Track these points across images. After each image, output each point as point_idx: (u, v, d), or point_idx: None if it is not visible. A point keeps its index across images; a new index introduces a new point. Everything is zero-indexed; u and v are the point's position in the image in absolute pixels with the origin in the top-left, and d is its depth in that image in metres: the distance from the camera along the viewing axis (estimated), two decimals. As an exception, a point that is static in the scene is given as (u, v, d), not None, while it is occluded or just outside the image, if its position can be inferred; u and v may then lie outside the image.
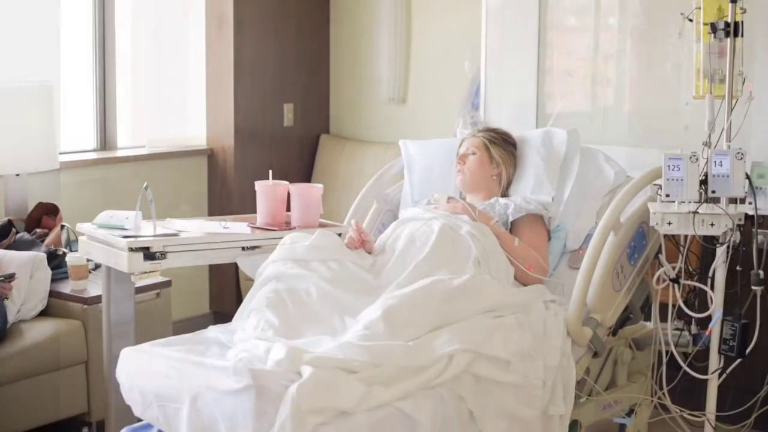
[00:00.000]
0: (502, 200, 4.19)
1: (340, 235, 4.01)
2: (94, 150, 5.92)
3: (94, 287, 4.71)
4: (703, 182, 3.73)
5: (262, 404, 2.97)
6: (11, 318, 4.53)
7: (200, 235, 3.98)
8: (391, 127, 6.29)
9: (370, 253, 3.99)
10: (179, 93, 6.20)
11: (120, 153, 5.92)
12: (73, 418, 4.69)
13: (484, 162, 4.34)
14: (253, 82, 6.20)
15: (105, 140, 5.94)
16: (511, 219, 4.11)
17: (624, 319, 4.07)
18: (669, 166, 3.72)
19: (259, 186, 4.17)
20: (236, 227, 4.07)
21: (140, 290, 4.58)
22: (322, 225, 4.17)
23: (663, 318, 3.95)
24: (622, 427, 4.19)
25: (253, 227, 4.11)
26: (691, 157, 3.70)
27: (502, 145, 4.39)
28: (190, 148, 6.21)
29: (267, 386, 2.99)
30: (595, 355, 3.85)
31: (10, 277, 4.40)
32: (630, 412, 4.19)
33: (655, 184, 3.93)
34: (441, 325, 3.41)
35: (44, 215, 5.14)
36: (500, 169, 4.36)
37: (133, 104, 6.09)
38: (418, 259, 3.79)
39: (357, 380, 3.09)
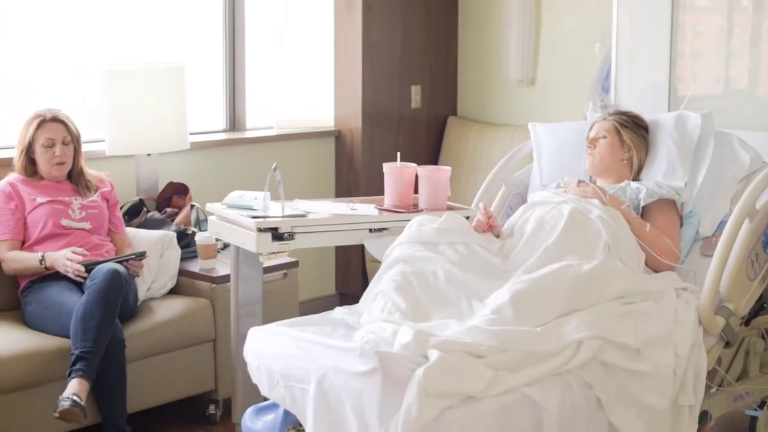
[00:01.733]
0: (634, 184, 4.11)
1: (467, 218, 3.98)
2: (224, 131, 5.98)
3: (222, 266, 4.76)
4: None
5: (389, 387, 2.97)
6: (141, 296, 4.61)
7: (328, 216, 3.99)
8: (520, 109, 6.23)
9: (497, 236, 3.95)
10: (308, 74, 6.23)
11: (249, 134, 5.97)
12: (200, 395, 4.75)
13: (614, 146, 4.26)
14: (381, 64, 6.20)
15: (234, 121, 6.00)
16: (642, 204, 4.03)
17: (757, 309, 3.97)
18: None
19: (387, 168, 4.16)
20: (364, 209, 4.07)
21: (268, 270, 4.62)
22: (449, 208, 4.15)
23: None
24: (754, 419, 4.10)
25: (380, 209, 4.10)
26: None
27: (634, 129, 4.30)
28: (318, 129, 6.23)
29: (393, 369, 2.98)
30: (727, 345, 3.77)
31: (141, 256, 4.47)
32: (762, 405, 4.10)
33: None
34: (570, 311, 3.38)
35: (174, 195, 5.21)
36: (631, 153, 4.28)
37: (262, 85, 6.14)
38: (547, 243, 3.74)
39: (484, 365, 3.08)
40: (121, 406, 4.23)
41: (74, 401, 3.91)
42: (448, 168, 4.20)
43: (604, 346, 3.29)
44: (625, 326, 3.36)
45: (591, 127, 4.38)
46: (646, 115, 4.41)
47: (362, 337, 3.26)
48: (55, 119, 4.58)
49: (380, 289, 3.59)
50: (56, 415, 3.91)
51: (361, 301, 3.69)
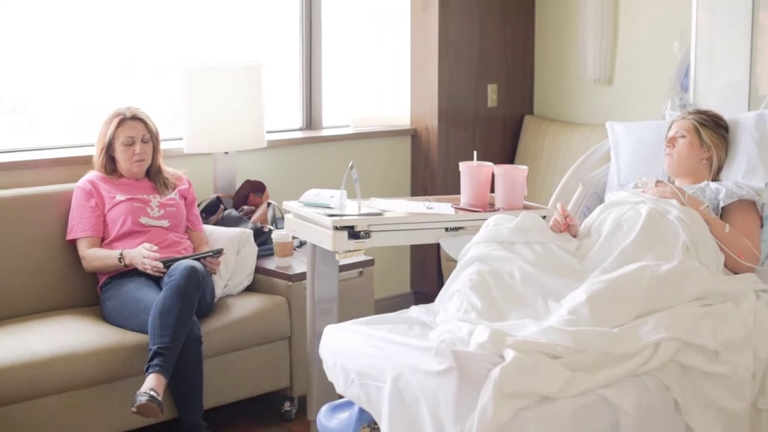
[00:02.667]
0: (713, 185, 4.06)
1: (544, 217, 3.96)
2: (300, 129, 6.01)
3: (298, 264, 4.78)
4: None
5: (464, 386, 2.96)
6: (218, 292, 4.64)
7: (404, 215, 3.99)
8: (597, 108, 6.18)
9: (574, 236, 3.93)
10: (384, 73, 6.24)
11: (325, 132, 5.99)
12: (276, 392, 4.77)
13: (694, 145, 4.21)
14: (458, 63, 6.19)
15: (311, 119, 6.02)
16: (722, 204, 3.98)
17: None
18: None
19: (464, 167, 4.15)
20: (440, 208, 4.07)
21: (344, 268, 4.63)
22: (526, 207, 4.13)
23: None
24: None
25: (456, 208, 4.10)
26: None
27: (713, 128, 4.25)
28: (394, 128, 6.24)
29: (469, 369, 2.98)
30: (808, 347, 3.70)
31: (218, 253, 4.50)
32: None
33: None
34: (647, 312, 3.34)
35: (251, 193, 5.24)
36: (711, 153, 4.22)
37: (338, 84, 6.16)
38: (624, 243, 3.71)
39: (560, 365, 3.06)
40: (197, 402, 4.27)
41: (151, 396, 3.95)
42: (525, 167, 4.18)
43: (682, 347, 3.25)
44: (704, 328, 3.31)
45: (670, 127, 4.33)
46: (726, 115, 4.35)
47: (438, 336, 3.26)
48: (135, 117, 4.63)
49: (456, 288, 3.58)
50: (134, 409, 3.95)
51: (436, 300, 3.69)
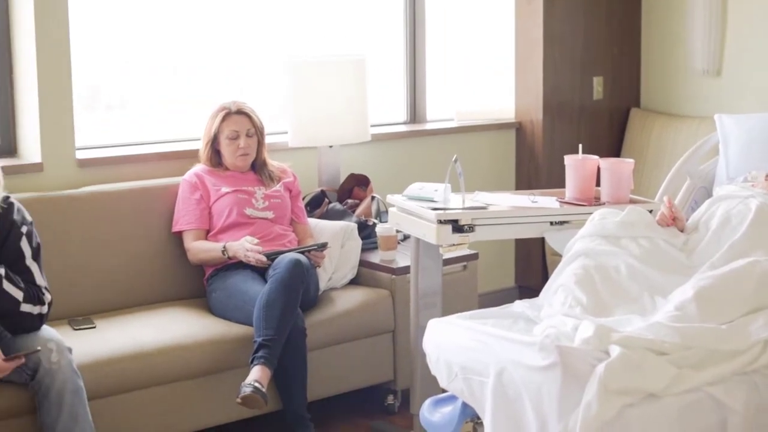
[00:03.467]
0: (826, 179, 3.97)
1: (651, 211, 3.90)
2: (404, 123, 6.01)
3: (402, 258, 4.78)
4: None
5: (568, 382, 2.94)
6: (323, 286, 4.66)
7: (508, 208, 3.97)
8: (705, 100, 6.07)
9: (682, 231, 3.87)
10: (488, 66, 6.21)
11: (429, 126, 5.99)
12: (379, 385, 4.78)
13: (807, 138, 4.13)
14: (563, 55, 6.13)
15: (415, 113, 6.02)
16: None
17: None
18: None
19: (569, 160, 4.12)
20: (545, 201, 4.04)
21: (448, 262, 4.62)
22: (632, 201, 4.08)
23: None
24: None
25: (561, 202, 4.07)
26: None
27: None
28: (498, 121, 6.20)
29: (574, 364, 2.95)
30: None
31: (323, 246, 4.52)
32: None
33: None
34: (757, 308, 3.28)
35: (355, 186, 5.26)
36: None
37: (442, 77, 6.15)
38: (733, 238, 3.64)
39: (666, 362, 3.02)
40: (301, 394, 4.29)
41: (256, 388, 3.99)
42: (631, 160, 4.14)
43: (793, 345, 3.18)
44: (816, 325, 3.24)
45: (782, 119, 4.25)
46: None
47: (542, 331, 3.24)
48: (240, 112, 4.68)
49: (561, 282, 3.55)
50: (238, 401, 3.99)
51: (541, 294, 3.66)
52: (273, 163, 4.82)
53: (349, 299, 4.65)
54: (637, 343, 3.04)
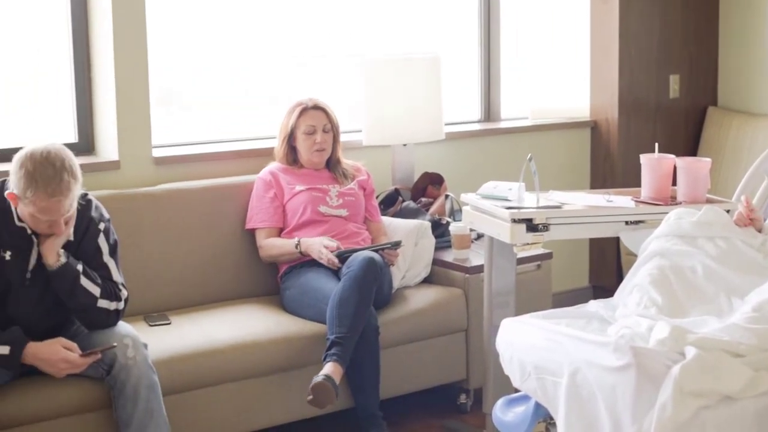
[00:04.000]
0: None
1: (728, 211, 3.85)
2: (478, 121, 6.00)
3: (476, 257, 4.77)
4: None
5: (643, 383, 2.91)
6: (396, 284, 4.67)
7: (583, 208, 3.94)
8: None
9: (759, 231, 3.81)
10: (563, 64, 6.18)
11: (503, 124, 5.97)
12: (451, 384, 4.78)
13: None
14: (639, 53, 6.07)
15: (489, 111, 6.00)
16: None
17: None
18: None
19: (645, 159, 4.08)
20: (620, 201, 4.01)
21: (521, 261, 4.60)
22: (709, 200, 4.03)
23: None
24: None
25: (637, 201, 4.03)
26: None
27: None
28: (573, 119, 6.17)
29: (648, 365, 2.92)
30: None
31: (397, 245, 4.52)
32: None
33: None
34: (838, 310, 3.22)
35: (429, 185, 5.26)
36: None
37: (516, 75, 6.12)
38: (814, 239, 3.59)
39: (743, 364, 2.97)
40: (374, 392, 4.30)
41: (327, 376, 4.00)
42: (708, 159, 4.09)
43: None
44: None
45: None
46: None
47: (617, 331, 3.21)
48: (317, 107, 4.70)
49: (636, 282, 3.52)
50: (309, 398, 4.00)
51: (616, 294, 3.62)
52: (347, 161, 4.84)
53: (423, 298, 4.65)
54: (713, 345, 3.00)
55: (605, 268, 6.24)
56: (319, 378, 3.99)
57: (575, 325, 3.37)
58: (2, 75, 4.70)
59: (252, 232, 4.68)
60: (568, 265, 6.07)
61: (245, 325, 4.27)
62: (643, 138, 6.01)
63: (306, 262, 4.52)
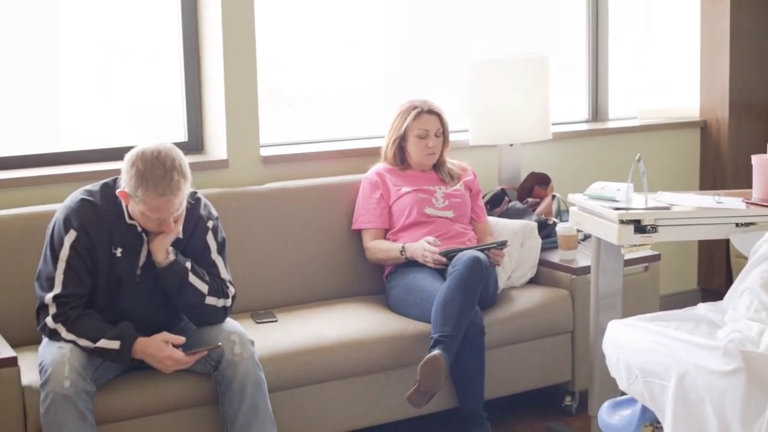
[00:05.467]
0: None
1: (842, 214, 3.78)
2: (586, 121, 5.96)
3: (582, 258, 4.73)
4: None
5: (753, 388, 2.87)
6: (502, 284, 4.65)
7: (692, 209, 3.89)
8: None
9: None
10: (672, 64, 6.11)
11: (611, 124, 5.92)
12: (556, 386, 4.75)
13: None
14: (750, 52, 5.97)
15: (596, 111, 5.96)
16: None
17: None
18: None
19: (757, 160, 4.01)
20: (730, 202, 3.95)
21: (629, 263, 4.55)
22: (822, 203, 3.95)
23: None
24: None
25: (748, 203, 3.96)
26: None
27: None
28: (682, 119, 6.09)
29: (759, 370, 2.88)
30: None
31: (503, 245, 4.51)
32: None
33: None
34: None
35: (536, 185, 5.23)
36: None
37: (625, 75, 6.07)
38: None
39: None
40: (478, 393, 4.29)
41: (436, 355, 4.00)
42: (823, 161, 4.00)
43: None
44: None
45: None
46: None
47: (726, 335, 3.17)
48: (431, 111, 4.71)
49: (746, 286, 3.46)
50: (414, 386, 3.99)
51: (725, 297, 3.57)
52: (452, 161, 4.83)
53: (528, 298, 4.63)
54: (826, 351, 2.95)
55: (714, 270, 6.15)
56: (429, 354, 3.99)
57: (683, 329, 3.33)
58: (114, 76, 4.79)
59: (358, 233, 4.70)
60: (676, 267, 5.99)
61: (350, 323, 4.29)
62: (755, 138, 5.90)
63: (411, 262, 4.53)
